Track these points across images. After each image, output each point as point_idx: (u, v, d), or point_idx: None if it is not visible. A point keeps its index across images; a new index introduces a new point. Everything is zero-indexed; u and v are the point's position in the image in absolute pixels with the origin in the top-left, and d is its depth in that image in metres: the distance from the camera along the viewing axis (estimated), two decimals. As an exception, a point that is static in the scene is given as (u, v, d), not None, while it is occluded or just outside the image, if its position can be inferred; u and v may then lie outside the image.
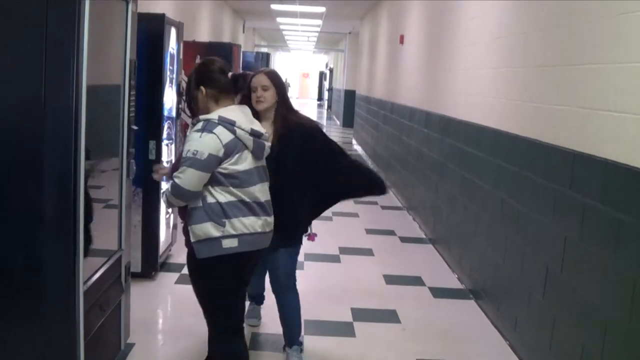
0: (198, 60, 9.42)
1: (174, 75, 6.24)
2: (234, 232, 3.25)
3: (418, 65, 9.40)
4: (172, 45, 6.14)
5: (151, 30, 5.67)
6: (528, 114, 4.72)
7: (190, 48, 9.25)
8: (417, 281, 6.19)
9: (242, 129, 3.28)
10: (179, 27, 6.39)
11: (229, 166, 3.24)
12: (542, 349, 4.21)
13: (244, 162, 3.30)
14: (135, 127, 4.13)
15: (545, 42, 4.50)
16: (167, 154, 6.11)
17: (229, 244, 3.24)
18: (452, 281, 6.27)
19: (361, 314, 5.12)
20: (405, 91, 10.36)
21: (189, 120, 9.49)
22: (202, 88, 3.37)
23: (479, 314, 5.44)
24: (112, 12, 3.71)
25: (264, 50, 27.70)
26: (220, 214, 3.24)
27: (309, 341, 4.58)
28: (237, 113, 3.35)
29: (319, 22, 20.62)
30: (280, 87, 4.08)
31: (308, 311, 5.12)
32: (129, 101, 3.94)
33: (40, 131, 3.04)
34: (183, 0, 10.92)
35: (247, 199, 3.30)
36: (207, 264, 3.28)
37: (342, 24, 21.50)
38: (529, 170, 4.59)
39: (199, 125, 3.25)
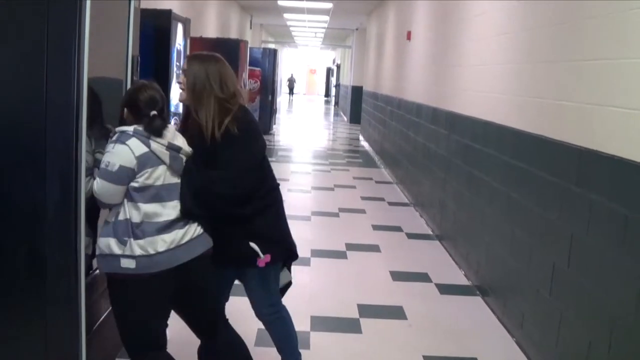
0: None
1: (181, 71, 6.25)
2: (132, 254, 3.09)
3: (425, 61, 9.38)
4: (179, 41, 6.15)
5: (158, 26, 5.68)
6: (534, 110, 4.70)
7: (197, 44, 9.25)
8: (423, 277, 6.18)
9: (158, 142, 3.16)
10: (186, 23, 6.39)
11: (141, 180, 3.13)
12: (549, 345, 4.19)
13: (159, 178, 3.17)
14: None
15: (552, 38, 4.48)
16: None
17: (127, 264, 3.10)
18: (459, 278, 6.26)
19: (367, 310, 5.11)
20: (412, 87, 10.34)
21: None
22: (126, 110, 3.28)
23: (486, 311, 5.43)
24: (115, 8, 3.70)
25: (272, 46, 27.69)
26: (126, 232, 3.11)
27: (315, 337, 4.57)
28: (170, 130, 3.27)
29: (326, 18, 20.61)
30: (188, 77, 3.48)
31: (314, 307, 5.12)
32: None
33: (42, 127, 3.03)
34: (190, -3, 10.92)
35: (148, 219, 3.13)
36: (117, 278, 3.17)
37: (349, 20, 21.48)
38: (536, 166, 4.57)
39: (114, 136, 3.17)
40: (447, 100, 7.58)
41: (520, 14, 5.19)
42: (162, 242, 3.13)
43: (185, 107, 3.56)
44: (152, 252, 3.11)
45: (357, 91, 22.23)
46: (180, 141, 3.29)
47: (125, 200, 3.14)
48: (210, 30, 13.21)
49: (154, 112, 3.19)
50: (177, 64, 6.07)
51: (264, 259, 3.43)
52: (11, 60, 3.07)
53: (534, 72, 4.77)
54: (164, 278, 3.16)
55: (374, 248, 6.99)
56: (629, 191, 3.34)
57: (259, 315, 3.69)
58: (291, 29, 27.28)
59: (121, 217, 3.14)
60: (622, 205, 3.39)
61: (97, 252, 3.18)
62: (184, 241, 3.21)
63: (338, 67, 35.06)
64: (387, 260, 6.59)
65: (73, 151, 3.04)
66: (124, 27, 3.82)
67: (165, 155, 3.17)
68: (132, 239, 3.10)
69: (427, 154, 8.62)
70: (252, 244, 3.41)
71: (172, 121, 6.03)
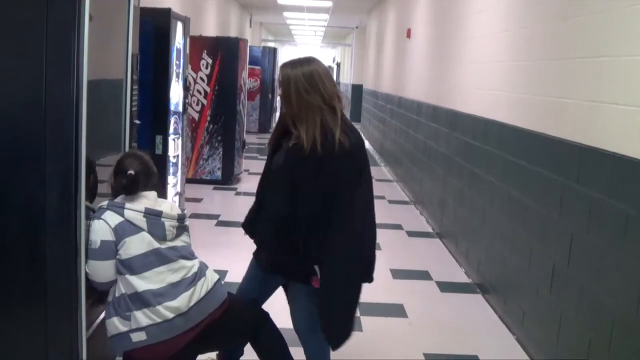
0: (207, 59, 9.43)
1: (181, 70, 6.24)
2: (139, 325, 3.08)
3: (425, 59, 9.37)
4: (179, 40, 6.14)
5: (157, 25, 5.67)
6: (535, 107, 4.70)
7: (197, 43, 9.25)
8: (424, 275, 6.18)
9: (133, 210, 3.15)
10: (186, 22, 6.38)
11: (122, 251, 3.11)
12: (549, 343, 4.19)
13: (140, 245, 3.13)
14: (137, 122, 4.13)
15: (552, 35, 4.47)
16: (174, 149, 6.11)
17: (137, 337, 3.08)
18: (460, 275, 6.26)
19: (368, 308, 5.10)
20: (412, 85, 10.34)
21: (196, 115, 9.53)
22: (112, 177, 3.31)
23: (486, 309, 5.43)
24: (114, 6, 3.70)
25: (271, 44, 27.68)
26: (125, 307, 3.10)
27: (316, 336, 4.57)
28: (141, 197, 3.25)
29: (326, 16, 20.58)
30: (283, 86, 3.30)
31: (315, 306, 5.13)
32: (131, 95, 3.93)
33: (41, 126, 3.02)
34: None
35: (141, 289, 3.09)
36: (135, 357, 3.16)
37: (349, 19, 21.46)
38: (536, 164, 4.56)
39: (93, 214, 3.20)
40: (447, 98, 7.58)
41: (521, 10, 5.18)
42: (168, 310, 3.11)
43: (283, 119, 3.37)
44: (159, 320, 3.09)
45: (357, 89, 22.22)
46: (164, 206, 3.28)
47: (118, 275, 3.14)
48: (210, 28, 13.20)
49: (130, 172, 3.22)
50: (177, 62, 6.07)
51: (320, 279, 3.29)
52: (10, 60, 3.07)
53: (535, 69, 4.76)
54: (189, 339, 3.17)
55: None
56: (629, 189, 3.33)
57: (297, 329, 3.57)
58: (291, 27, 27.25)
59: (117, 293, 3.14)
60: (623, 202, 3.38)
61: (108, 336, 3.18)
62: (192, 303, 3.18)
63: (338, 65, 35.01)
64: (387, 258, 6.59)
65: (73, 151, 3.04)
66: (123, 25, 3.81)
67: (142, 221, 3.16)
68: (134, 311, 3.09)
69: (427, 152, 8.62)
70: (315, 266, 3.27)
71: (172, 120, 6.02)
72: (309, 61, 3.28)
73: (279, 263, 3.40)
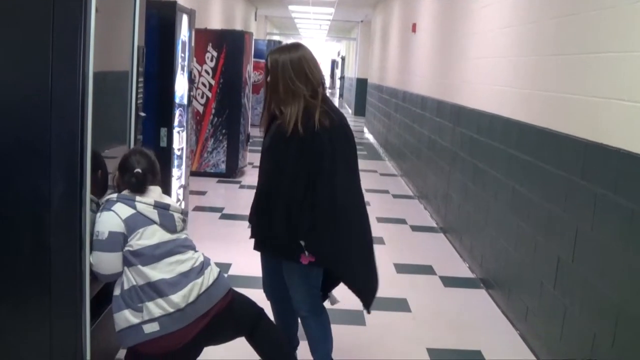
0: (212, 52, 9.42)
1: (186, 63, 6.23)
2: (152, 316, 3.10)
3: (430, 53, 9.36)
4: (184, 32, 6.13)
5: (163, 18, 5.66)
6: (540, 102, 4.69)
7: (202, 36, 9.25)
8: (427, 270, 6.18)
9: (144, 202, 3.21)
10: (191, 15, 6.38)
11: (134, 242, 3.14)
12: (553, 338, 4.19)
13: (152, 237, 3.18)
14: (143, 114, 4.13)
15: (558, 30, 4.46)
16: (179, 142, 6.11)
17: (150, 328, 3.10)
18: (463, 270, 6.26)
19: (371, 303, 5.12)
20: (417, 80, 10.32)
21: (200, 108, 9.53)
22: (117, 172, 3.37)
23: (490, 304, 5.43)
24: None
25: (276, 38, 27.65)
26: (136, 299, 3.12)
27: (319, 329, 4.58)
28: (155, 191, 3.34)
29: (331, 10, 20.56)
30: (271, 72, 3.44)
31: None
32: (137, 88, 3.93)
33: (47, 119, 3.03)
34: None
35: (155, 279, 3.13)
36: (143, 352, 3.17)
37: (354, 13, 21.43)
38: (541, 159, 4.56)
39: (101, 206, 3.24)
40: (452, 92, 7.57)
41: (527, 6, 5.17)
42: (180, 299, 3.14)
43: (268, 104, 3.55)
44: (171, 310, 3.12)
45: (361, 83, 22.20)
46: (168, 200, 3.37)
47: (126, 268, 3.16)
48: (215, 21, 13.19)
49: (137, 170, 3.26)
50: (182, 55, 6.06)
51: (308, 257, 3.39)
52: (16, 51, 3.07)
53: (540, 64, 4.75)
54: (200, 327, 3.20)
55: (378, 240, 6.98)
56: (634, 184, 3.33)
57: (297, 311, 3.66)
58: (296, 20, 27.22)
59: (126, 285, 3.16)
60: (627, 198, 3.38)
61: (116, 330, 3.19)
62: (202, 290, 3.23)
63: (343, 59, 35.01)
64: (391, 252, 6.59)
65: (78, 143, 3.05)
66: (129, 18, 3.81)
67: (153, 213, 3.21)
68: (146, 302, 3.12)
69: (432, 146, 8.61)
70: (301, 241, 3.36)
71: (177, 112, 6.02)
72: (296, 47, 3.47)
73: (266, 241, 3.54)
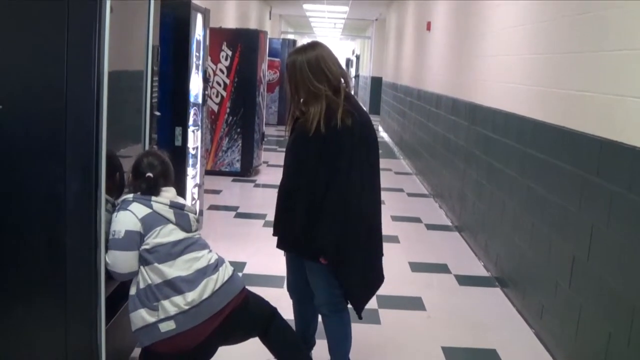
0: (227, 51, 9.43)
1: (200, 62, 6.25)
2: (168, 314, 3.12)
3: (444, 51, 9.34)
4: (199, 31, 6.15)
5: (177, 17, 5.68)
6: (555, 100, 4.68)
7: (216, 35, 9.27)
8: (442, 269, 6.17)
9: (160, 202, 3.24)
10: (206, 14, 6.39)
11: (150, 240, 3.17)
12: (568, 337, 4.18)
13: (169, 236, 3.21)
14: (158, 113, 4.14)
15: (574, 28, 4.45)
16: (193, 141, 6.13)
17: (166, 327, 3.12)
18: (478, 269, 6.24)
19: (386, 301, 5.11)
20: (431, 78, 10.31)
21: (215, 107, 9.55)
22: (131, 174, 3.41)
23: (505, 302, 5.41)
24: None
25: (291, 37, 27.66)
26: (152, 297, 3.15)
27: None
28: (170, 191, 3.38)
29: (346, 8, 20.55)
30: (289, 73, 3.44)
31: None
32: (152, 87, 3.95)
33: (62, 119, 3.04)
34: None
35: (171, 276, 3.15)
36: (159, 351, 3.19)
37: (368, 11, 21.41)
38: (556, 157, 4.54)
39: (117, 206, 3.27)
40: (467, 91, 7.55)
41: (541, 4, 5.15)
42: (195, 294, 3.16)
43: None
44: (186, 307, 3.14)
45: (376, 82, 22.18)
46: (182, 200, 3.41)
47: (142, 267, 3.19)
48: (230, 20, 13.22)
49: (149, 174, 3.30)
50: (197, 54, 6.08)
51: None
52: (31, 52, 3.09)
53: (556, 62, 4.73)
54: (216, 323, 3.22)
55: (393, 239, 6.98)
56: (650, 183, 3.31)
57: (318, 309, 3.67)
58: (310, 19, 27.22)
59: (142, 284, 3.18)
60: (643, 196, 3.36)
61: (132, 329, 3.22)
62: (217, 287, 3.25)
63: (357, 57, 34.96)
64: (406, 251, 6.59)
65: (93, 143, 3.06)
66: (144, 17, 3.83)
67: (169, 213, 3.25)
68: (162, 301, 3.14)
69: (446, 145, 8.60)
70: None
71: (192, 111, 6.04)
72: (314, 46, 3.46)
73: (286, 239, 3.54)
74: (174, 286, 3.15)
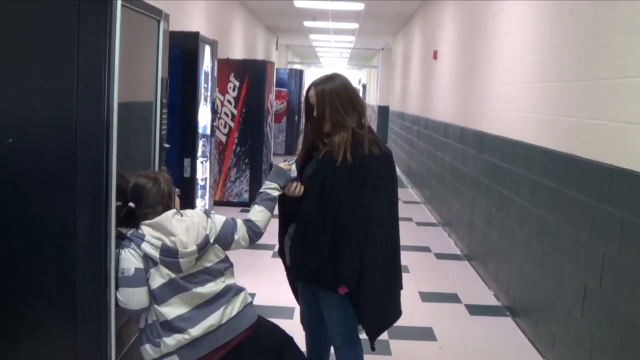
0: (234, 82, 9.49)
1: (209, 93, 6.29)
2: (169, 350, 3.11)
3: (452, 80, 9.37)
4: (207, 63, 6.19)
5: (186, 49, 5.73)
6: (563, 128, 4.67)
7: (224, 66, 9.33)
8: (453, 298, 6.14)
9: (150, 243, 3.10)
10: (213, 45, 6.44)
11: (150, 281, 3.13)
12: (582, 367, 4.14)
13: (162, 277, 3.12)
14: (167, 145, 4.15)
15: (581, 56, 4.45)
16: (202, 172, 6.14)
17: None
18: (489, 298, 6.21)
19: (397, 332, 5.07)
20: (439, 107, 10.33)
21: (223, 138, 9.58)
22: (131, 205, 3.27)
23: (516, 332, 5.38)
24: (144, 30, 3.74)
25: (297, 67, 27.81)
26: (155, 334, 3.14)
27: (344, 359, 4.55)
28: (156, 226, 3.16)
29: (352, 38, 20.66)
30: (317, 103, 3.37)
31: (343, 329, 5.10)
32: (161, 119, 3.96)
33: (72, 149, 3.06)
34: (217, 18, 11.01)
35: (170, 317, 3.12)
36: None
37: (375, 40, 21.52)
38: (566, 185, 4.53)
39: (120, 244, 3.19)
40: (475, 119, 7.56)
41: (549, 31, 5.17)
42: (197, 331, 3.14)
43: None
44: (187, 341, 3.12)
45: (383, 111, 22.23)
46: (181, 228, 3.17)
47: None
48: (237, 51, 13.30)
49: (130, 205, 3.22)
50: (205, 85, 6.12)
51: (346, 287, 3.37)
52: (41, 83, 3.11)
53: (564, 90, 4.74)
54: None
55: (403, 268, 6.83)
56: (662, 210, 3.30)
57: (331, 341, 3.62)
58: (317, 49, 27.37)
59: (149, 320, 3.18)
60: (655, 224, 3.35)
61: None
62: (224, 321, 3.21)
63: (364, 86, 35.08)
64: (415, 280, 6.56)
65: (103, 174, 3.06)
66: (153, 49, 3.85)
67: (156, 257, 3.11)
68: (163, 338, 3.12)
69: (455, 173, 8.59)
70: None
71: (200, 143, 6.06)
72: (337, 76, 3.44)
73: (304, 268, 3.46)
74: (173, 326, 3.12)
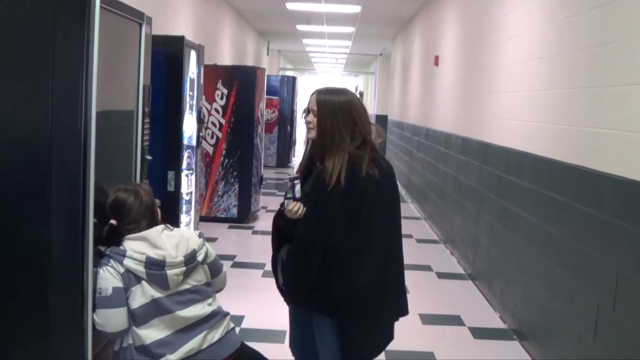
0: (222, 90, 9.48)
1: (194, 102, 6.28)
2: None
3: (454, 87, 9.38)
4: (192, 69, 6.18)
5: (170, 54, 5.72)
6: (573, 138, 4.67)
7: (211, 72, 9.31)
8: (455, 321, 6.12)
9: (133, 258, 3.12)
10: (200, 50, 6.44)
11: (131, 301, 3.13)
12: (594, 394, 4.12)
13: (144, 296, 3.13)
14: (149, 157, 4.13)
15: (591, 62, 4.45)
16: (187, 185, 6.12)
17: None
18: (494, 320, 6.19)
19: (396, 357, 5.05)
20: (440, 116, 10.34)
21: (210, 149, 9.57)
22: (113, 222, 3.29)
23: (524, 356, 5.36)
24: (125, 34, 3.73)
25: (290, 73, 27.85)
26: (131, 358, 3.14)
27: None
28: (142, 240, 3.19)
29: (348, 43, 20.71)
30: (319, 112, 3.39)
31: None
32: (143, 129, 3.95)
33: (47, 162, 3.05)
34: (203, 22, 11.02)
35: (148, 342, 3.12)
36: None
37: (372, 45, 21.58)
38: (575, 199, 4.52)
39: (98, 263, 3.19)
40: (478, 129, 7.56)
41: (557, 35, 5.17)
42: (176, 356, 3.13)
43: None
44: None
45: (381, 120, 22.24)
46: (170, 244, 3.22)
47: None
48: (225, 57, 13.30)
49: (112, 222, 3.23)
50: (190, 93, 6.11)
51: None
52: (16, 92, 3.10)
53: (573, 98, 4.74)
54: None
55: (402, 289, 6.92)
56: (679, 226, 3.29)
57: None
58: (311, 55, 27.44)
59: (124, 343, 3.17)
60: (672, 241, 3.34)
61: None
62: (204, 346, 3.21)
63: (361, 94, 35.18)
64: (416, 302, 6.52)
65: (80, 185, 3.05)
66: (134, 54, 3.84)
67: (142, 273, 3.13)
68: None
69: (457, 187, 8.59)
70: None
71: (185, 154, 6.05)
72: (345, 92, 3.45)
73: (295, 290, 3.47)
74: (149, 352, 3.12)
